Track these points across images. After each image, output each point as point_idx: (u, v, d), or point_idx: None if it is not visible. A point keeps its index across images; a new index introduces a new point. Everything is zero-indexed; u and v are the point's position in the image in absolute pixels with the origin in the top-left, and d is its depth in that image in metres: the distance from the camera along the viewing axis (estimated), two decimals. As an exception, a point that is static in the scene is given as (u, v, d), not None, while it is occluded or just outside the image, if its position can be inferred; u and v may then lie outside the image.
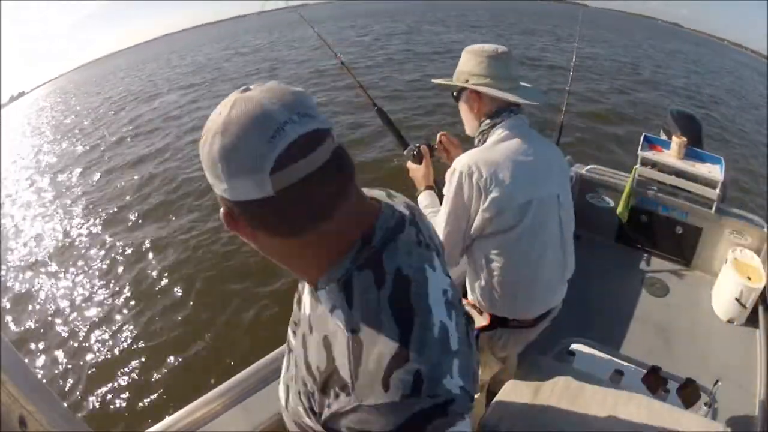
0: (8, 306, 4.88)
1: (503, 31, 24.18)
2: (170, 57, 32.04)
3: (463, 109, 1.39)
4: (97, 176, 8.53)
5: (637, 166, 2.82)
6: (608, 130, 8.24)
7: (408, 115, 8.57)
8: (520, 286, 1.33)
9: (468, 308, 1.45)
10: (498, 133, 1.29)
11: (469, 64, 1.32)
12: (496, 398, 1.25)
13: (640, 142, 2.90)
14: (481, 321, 1.41)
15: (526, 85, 1.35)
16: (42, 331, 4.34)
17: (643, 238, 2.98)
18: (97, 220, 6.51)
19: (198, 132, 0.79)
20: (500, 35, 21.47)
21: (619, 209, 2.81)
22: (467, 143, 1.49)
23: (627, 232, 3.00)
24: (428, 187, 1.50)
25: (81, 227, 6.46)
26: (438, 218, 1.33)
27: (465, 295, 1.46)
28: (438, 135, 1.61)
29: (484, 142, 1.32)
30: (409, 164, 1.58)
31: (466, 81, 1.32)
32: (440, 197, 1.42)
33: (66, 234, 6.34)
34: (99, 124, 13.45)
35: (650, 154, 2.82)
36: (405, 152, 1.61)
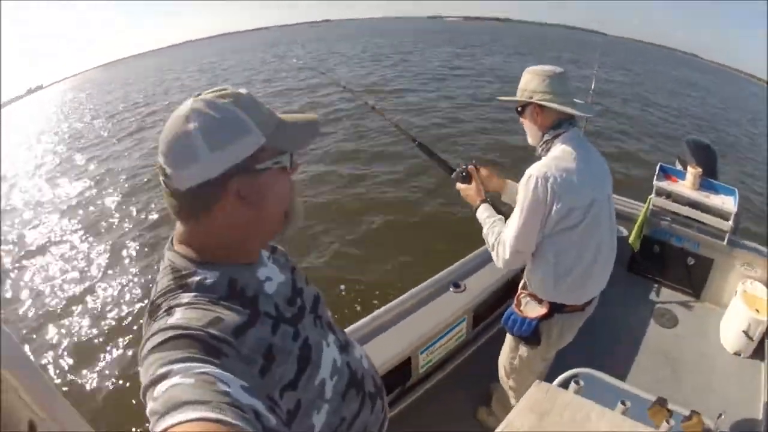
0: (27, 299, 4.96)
1: (530, 57, 24.85)
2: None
3: (527, 122, 1.55)
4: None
5: (652, 196, 2.83)
6: (622, 156, 8.25)
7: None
8: (579, 276, 1.51)
9: (527, 299, 1.64)
10: (561, 142, 1.46)
11: (533, 83, 1.49)
12: (503, 425, 1.25)
13: (656, 172, 2.92)
14: (540, 310, 1.59)
15: (578, 101, 1.51)
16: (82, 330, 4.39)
17: (655, 268, 2.97)
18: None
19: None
20: (527, 62, 22.02)
21: (631, 238, 2.82)
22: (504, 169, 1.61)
23: (639, 261, 3.00)
24: (483, 201, 1.67)
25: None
26: (511, 221, 1.47)
27: (525, 287, 1.65)
28: (468, 166, 1.77)
29: (548, 150, 1.48)
30: (459, 185, 1.75)
31: (531, 97, 1.48)
32: (495, 209, 1.64)
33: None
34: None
35: (665, 184, 2.84)
36: (453, 176, 1.77)
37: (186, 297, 0.66)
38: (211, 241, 0.71)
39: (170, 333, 0.58)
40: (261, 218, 0.72)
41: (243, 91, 0.69)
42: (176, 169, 0.63)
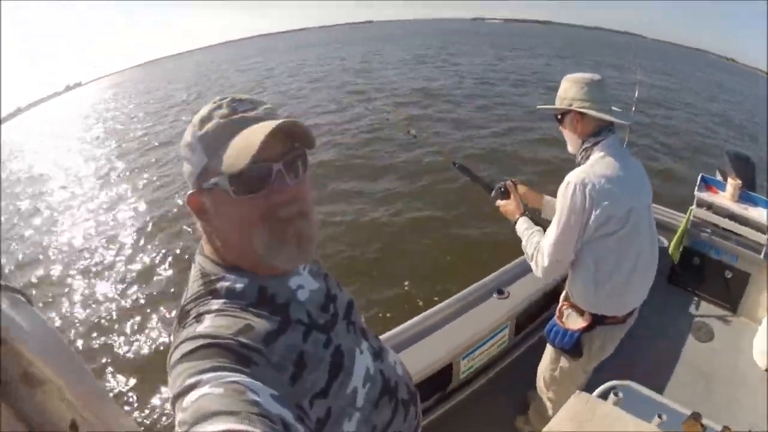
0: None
1: (569, 60, 24.73)
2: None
3: (567, 130, 1.57)
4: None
5: (693, 207, 2.79)
6: (662, 165, 8.05)
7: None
8: (619, 284, 1.51)
9: (569, 311, 1.65)
10: (600, 150, 1.47)
11: (572, 91, 1.50)
12: None
13: (697, 182, 2.88)
14: (581, 322, 1.61)
15: (616, 108, 1.52)
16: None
17: (694, 280, 2.95)
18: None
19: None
20: (566, 66, 21.72)
21: (671, 249, 2.79)
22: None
23: (679, 273, 2.98)
24: (522, 215, 1.70)
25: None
26: (550, 229, 1.49)
27: (567, 299, 1.66)
28: (506, 182, 1.82)
29: (587, 158, 1.49)
30: (498, 202, 1.80)
31: (570, 105, 1.50)
32: (534, 222, 1.67)
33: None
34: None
35: (706, 196, 2.80)
36: (492, 194, 1.83)
37: (216, 303, 0.66)
38: (218, 245, 0.72)
39: (199, 342, 0.59)
40: (222, 237, 0.70)
41: (224, 103, 0.68)
42: (186, 161, 0.69)
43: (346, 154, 8.45)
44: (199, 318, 0.64)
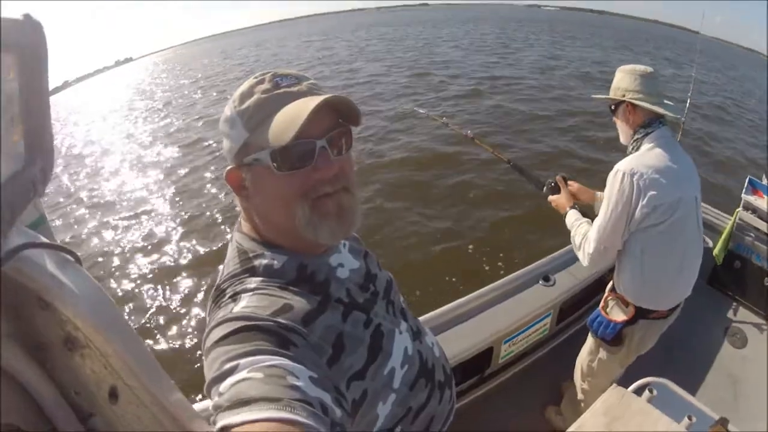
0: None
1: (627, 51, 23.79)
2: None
3: (619, 120, 1.60)
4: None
5: (739, 209, 2.73)
6: (710, 163, 7.71)
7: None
8: (665, 276, 1.53)
9: (614, 302, 1.67)
10: (650, 141, 1.50)
11: (625, 82, 1.53)
12: (575, 425, 1.33)
13: (744, 185, 2.80)
14: (624, 314, 1.63)
15: (669, 102, 1.53)
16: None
17: (733, 285, 2.90)
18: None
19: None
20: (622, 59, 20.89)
21: (716, 251, 2.75)
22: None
23: (720, 276, 2.93)
24: (571, 207, 1.77)
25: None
26: (599, 216, 1.52)
27: (613, 290, 1.68)
28: (556, 177, 1.90)
29: (638, 149, 1.52)
30: (550, 197, 1.87)
31: (623, 96, 1.53)
32: (583, 214, 1.72)
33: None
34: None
35: (752, 199, 2.74)
36: (544, 191, 1.91)
37: (253, 282, 0.65)
38: (256, 222, 0.71)
39: (237, 324, 0.56)
40: (262, 213, 0.69)
41: (266, 78, 0.67)
42: (225, 137, 0.68)
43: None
44: (235, 297, 0.62)
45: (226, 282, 0.66)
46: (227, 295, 0.63)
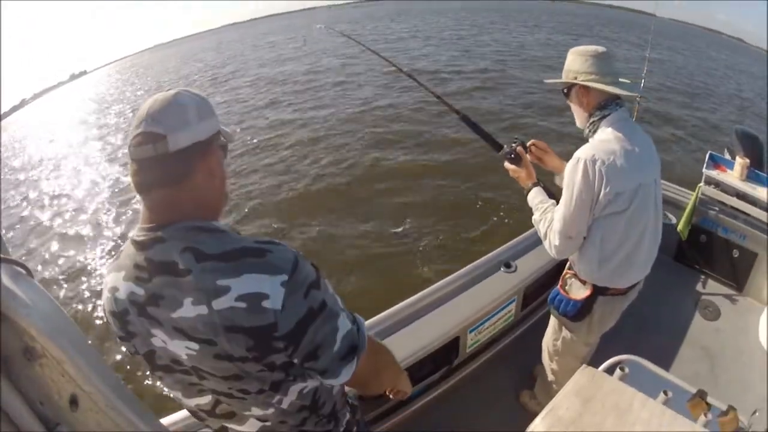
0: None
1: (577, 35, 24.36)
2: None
3: (574, 104, 1.54)
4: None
5: (701, 184, 2.77)
6: (670, 141, 7.95)
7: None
8: (622, 258, 1.51)
9: (572, 279, 1.66)
10: (607, 123, 1.45)
11: (576, 64, 1.47)
12: (548, 408, 1.29)
13: (705, 160, 2.84)
14: (582, 292, 1.61)
15: (624, 80, 1.48)
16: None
17: (701, 258, 2.93)
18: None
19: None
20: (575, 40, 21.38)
21: (680, 227, 2.77)
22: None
23: (686, 251, 2.96)
24: (535, 184, 1.67)
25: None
26: (561, 206, 1.47)
27: (570, 268, 1.67)
28: (528, 144, 1.77)
29: (594, 132, 1.48)
30: (508, 165, 1.75)
31: (575, 78, 1.47)
32: (547, 192, 1.64)
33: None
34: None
35: (714, 174, 2.77)
36: (499, 154, 1.76)
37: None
38: (188, 208, 0.74)
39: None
40: (218, 191, 0.81)
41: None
42: (173, 131, 0.71)
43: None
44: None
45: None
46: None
